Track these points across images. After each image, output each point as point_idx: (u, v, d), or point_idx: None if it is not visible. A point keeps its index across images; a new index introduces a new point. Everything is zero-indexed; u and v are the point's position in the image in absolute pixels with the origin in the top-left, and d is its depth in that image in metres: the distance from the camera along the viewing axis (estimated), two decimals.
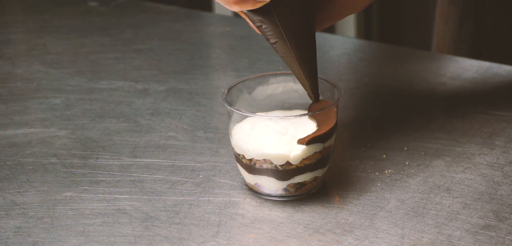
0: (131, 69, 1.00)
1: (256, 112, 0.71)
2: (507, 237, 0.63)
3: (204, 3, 1.90)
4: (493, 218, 0.65)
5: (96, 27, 1.16)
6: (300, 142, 0.67)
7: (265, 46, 1.03)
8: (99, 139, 0.81)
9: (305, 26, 0.68)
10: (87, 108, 0.89)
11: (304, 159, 0.67)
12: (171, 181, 0.73)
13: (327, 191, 0.70)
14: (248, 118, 0.69)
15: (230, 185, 0.72)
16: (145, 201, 0.70)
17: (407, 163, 0.74)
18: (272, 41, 0.68)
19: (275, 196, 0.69)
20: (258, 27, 0.68)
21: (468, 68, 0.95)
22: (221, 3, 0.65)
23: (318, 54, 1.03)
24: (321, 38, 1.08)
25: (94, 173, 0.74)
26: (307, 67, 0.69)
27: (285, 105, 0.73)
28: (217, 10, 1.80)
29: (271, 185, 0.68)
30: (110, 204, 0.69)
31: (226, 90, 0.70)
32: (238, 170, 0.71)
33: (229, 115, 0.70)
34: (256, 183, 0.69)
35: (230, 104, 0.69)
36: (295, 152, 0.67)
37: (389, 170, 0.73)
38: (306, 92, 0.71)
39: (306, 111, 0.70)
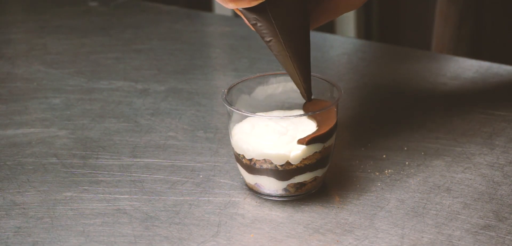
0: (131, 69, 1.00)
1: (256, 112, 0.71)
2: (507, 237, 0.63)
3: (204, 3, 1.90)
4: (493, 218, 0.65)
5: (96, 27, 1.16)
6: (300, 142, 0.67)
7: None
8: (99, 139, 0.81)
9: (300, 25, 0.68)
10: (87, 108, 0.89)
11: (304, 159, 0.67)
12: (171, 181, 0.73)
13: (327, 191, 0.70)
14: (248, 118, 0.69)
15: (230, 185, 0.72)
16: (145, 201, 0.70)
17: (407, 163, 0.74)
18: (267, 39, 0.68)
19: (275, 196, 0.69)
20: (253, 25, 0.68)
21: (468, 68, 0.95)
22: (218, 1, 0.65)
23: (318, 54, 1.03)
24: (321, 38, 1.08)
25: (94, 173, 0.74)
26: (301, 65, 0.69)
27: (285, 105, 0.73)
28: (217, 10, 1.80)
29: (271, 185, 0.68)
30: (110, 204, 0.69)
31: (226, 90, 0.70)
32: (238, 170, 0.71)
33: (229, 115, 0.70)
34: (256, 183, 0.69)
35: (230, 104, 0.69)
36: (295, 152, 0.67)
37: (389, 170, 0.73)
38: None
39: (306, 111, 0.70)
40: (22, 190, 0.72)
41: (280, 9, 0.67)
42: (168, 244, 0.64)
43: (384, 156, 0.75)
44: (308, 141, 0.67)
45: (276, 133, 0.67)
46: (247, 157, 0.68)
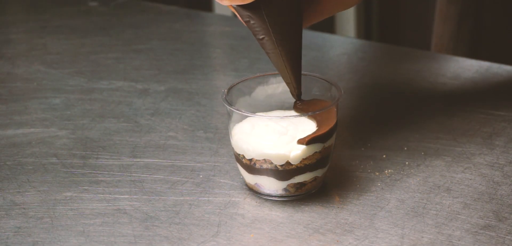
0: (131, 69, 1.00)
1: (256, 112, 0.71)
2: (507, 237, 0.63)
3: (204, 3, 1.90)
4: (493, 218, 0.65)
5: (96, 27, 1.16)
6: (300, 142, 0.67)
7: None
8: (99, 139, 0.81)
9: (293, 24, 0.69)
10: (87, 108, 0.89)
11: (304, 159, 0.67)
12: (171, 181, 0.73)
13: (327, 191, 0.70)
14: (248, 118, 0.69)
15: (230, 185, 0.72)
16: (145, 201, 0.70)
17: (407, 163, 0.74)
18: (260, 37, 0.68)
19: (275, 196, 0.69)
20: (246, 22, 0.68)
21: (468, 68, 0.95)
22: None
23: (318, 54, 1.03)
24: (321, 38, 1.08)
25: (94, 173, 0.74)
26: (293, 64, 0.69)
27: (285, 105, 0.73)
28: (217, 10, 1.80)
29: (271, 185, 0.68)
30: (110, 204, 0.69)
31: (226, 90, 0.70)
32: (238, 170, 0.71)
33: (229, 115, 0.70)
34: (256, 183, 0.69)
35: (230, 104, 0.69)
36: (295, 152, 0.67)
37: (389, 170, 0.73)
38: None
39: (306, 112, 0.70)
40: (22, 190, 0.72)
41: (273, 8, 0.67)
42: (168, 244, 0.64)
43: (384, 156, 0.75)
44: (308, 141, 0.67)
45: (276, 133, 0.67)
46: (247, 157, 0.68)
